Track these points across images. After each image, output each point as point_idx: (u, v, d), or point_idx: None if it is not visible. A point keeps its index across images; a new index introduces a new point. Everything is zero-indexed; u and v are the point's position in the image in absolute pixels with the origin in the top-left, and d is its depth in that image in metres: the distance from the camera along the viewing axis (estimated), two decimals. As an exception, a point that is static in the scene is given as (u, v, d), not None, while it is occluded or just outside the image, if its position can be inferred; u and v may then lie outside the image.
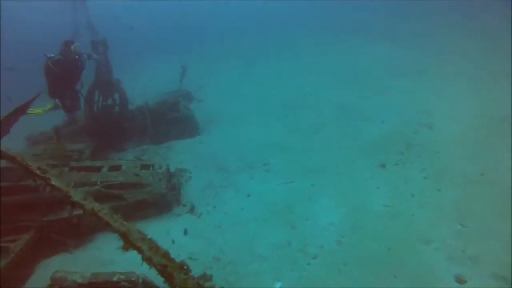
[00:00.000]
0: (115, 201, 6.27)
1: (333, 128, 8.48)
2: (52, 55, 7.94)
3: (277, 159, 7.57)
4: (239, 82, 13.10)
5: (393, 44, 14.13)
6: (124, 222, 3.16)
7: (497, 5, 15.42)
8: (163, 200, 6.47)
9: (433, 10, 17.53)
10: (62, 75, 7.87)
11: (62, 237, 6.04)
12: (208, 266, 5.07)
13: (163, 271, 2.68)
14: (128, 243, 2.90)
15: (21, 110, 5.57)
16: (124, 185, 6.42)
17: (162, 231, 5.99)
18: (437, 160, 6.66)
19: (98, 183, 6.35)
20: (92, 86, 8.82)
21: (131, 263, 5.04)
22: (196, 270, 4.94)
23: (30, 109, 7.73)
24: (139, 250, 2.85)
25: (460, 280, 4.26)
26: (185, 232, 5.79)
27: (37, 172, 3.32)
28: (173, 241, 5.68)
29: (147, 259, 2.81)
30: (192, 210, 6.49)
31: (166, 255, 2.90)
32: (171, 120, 9.29)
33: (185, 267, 2.80)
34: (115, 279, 4.01)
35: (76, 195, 3.18)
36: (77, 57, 8.05)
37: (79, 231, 6.10)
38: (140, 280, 4.04)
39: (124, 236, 2.91)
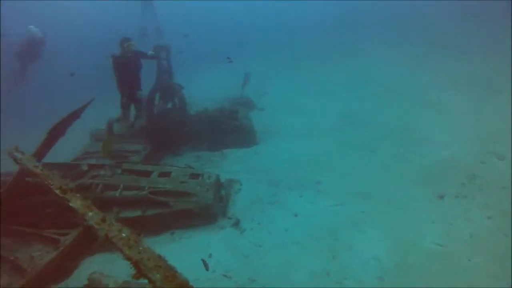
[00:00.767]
0: (161, 208, 6.28)
1: (389, 149, 7.92)
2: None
3: (329, 178, 7.22)
4: (301, 91, 12.83)
5: (462, 56, 12.93)
6: (143, 247, 3.00)
7: None
8: (208, 211, 6.36)
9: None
10: (120, 72, 8.02)
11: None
12: (241, 287, 4.83)
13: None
14: (140, 273, 2.73)
15: (75, 115, 5.75)
16: (172, 193, 6.39)
17: (203, 243, 5.90)
18: (505, 197, 5.88)
19: (146, 188, 6.37)
20: (153, 89, 9.00)
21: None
22: (228, 290, 4.83)
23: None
24: (150, 280, 2.68)
25: None
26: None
27: (57, 191, 3.24)
28: (210, 255, 5.52)
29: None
30: (236, 224, 6.31)
31: (183, 284, 2.72)
32: (229, 128, 9.23)
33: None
34: (143, 290, 3.90)
35: (93, 218, 3.06)
36: (130, 55, 8.09)
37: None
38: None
39: (136, 264, 2.75)
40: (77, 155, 8.71)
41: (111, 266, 5.66)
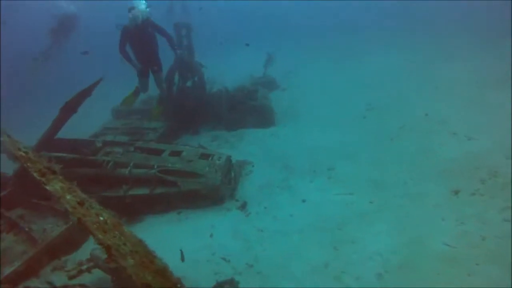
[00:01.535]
0: (169, 187, 6.31)
1: (411, 138, 7.48)
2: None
3: (344, 165, 6.95)
4: (327, 75, 12.41)
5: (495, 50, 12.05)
6: (121, 232, 2.96)
7: None
8: (216, 192, 6.33)
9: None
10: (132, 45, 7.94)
11: (116, 213, 6.23)
12: (238, 272, 4.83)
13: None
14: (110, 258, 2.69)
15: (87, 93, 5.79)
16: (180, 173, 6.39)
17: (207, 224, 5.91)
18: (527, 200, 5.37)
19: (156, 167, 6.39)
20: (172, 66, 8.96)
21: (171, 254, 5.09)
22: (227, 273, 4.80)
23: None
24: (121, 266, 2.63)
25: None
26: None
27: (35, 174, 3.23)
28: (211, 235, 5.57)
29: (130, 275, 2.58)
30: (243, 207, 6.26)
31: (160, 271, 2.66)
32: (247, 108, 9.09)
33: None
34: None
35: (70, 201, 3.03)
36: (142, 27, 7.79)
37: (132, 210, 6.23)
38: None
39: (107, 249, 2.71)
40: (96, 130, 8.87)
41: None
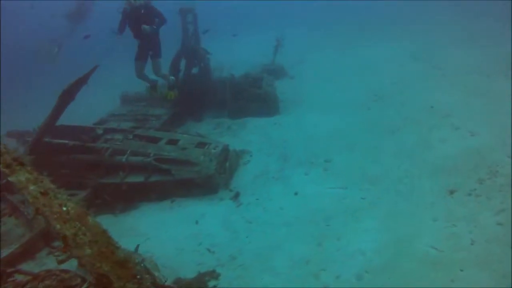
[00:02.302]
0: (163, 175, 6.38)
1: (412, 131, 7.28)
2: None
3: (342, 157, 6.84)
4: (336, 63, 12.16)
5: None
6: (83, 223, 3.01)
7: None
8: (209, 181, 6.37)
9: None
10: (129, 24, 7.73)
11: (112, 200, 6.38)
12: (221, 263, 4.87)
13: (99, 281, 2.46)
14: (66, 248, 2.74)
15: (82, 81, 5.86)
16: (176, 161, 6.45)
17: (198, 213, 5.95)
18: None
19: (152, 155, 6.46)
20: (177, 53, 8.94)
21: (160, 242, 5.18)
22: (209, 264, 4.86)
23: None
24: (76, 256, 2.68)
25: None
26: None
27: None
28: (196, 222, 5.72)
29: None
30: (235, 197, 6.27)
31: (120, 262, 2.69)
32: (251, 96, 9.02)
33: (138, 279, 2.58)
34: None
35: (32, 192, 3.08)
36: (142, 10, 7.53)
37: (127, 197, 6.34)
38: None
39: (63, 239, 2.76)
40: (102, 116, 8.99)
41: (114, 227, 5.94)
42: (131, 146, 6.76)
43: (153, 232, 5.64)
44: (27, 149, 6.66)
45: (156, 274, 3.84)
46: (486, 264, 4.16)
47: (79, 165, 6.65)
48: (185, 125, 9.02)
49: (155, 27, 7.48)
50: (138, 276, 2.57)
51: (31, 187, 3.24)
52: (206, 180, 6.33)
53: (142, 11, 7.41)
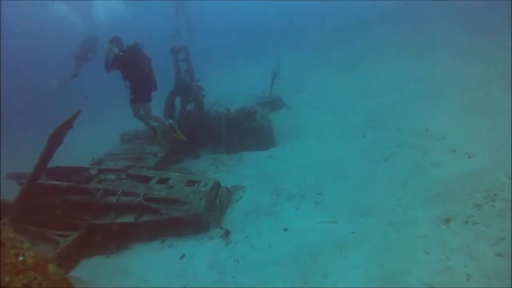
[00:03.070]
0: (153, 215, 6.37)
1: (406, 157, 7.11)
2: None
3: (333, 188, 6.74)
4: (334, 88, 12.21)
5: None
6: (41, 272, 2.99)
7: None
8: (199, 220, 6.32)
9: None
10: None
11: (104, 240, 6.39)
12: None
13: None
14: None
15: (68, 125, 6.00)
16: (165, 200, 6.45)
17: (187, 253, 5.90)
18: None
19: (142, 195, 6.48)
20: (171, 92, 9.10)
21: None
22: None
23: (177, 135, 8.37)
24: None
25: None
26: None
27: None
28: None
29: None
30: (225, 235, 6.20)
31: None
32: (246, 130, 9.06)
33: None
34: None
35: None
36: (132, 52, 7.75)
37: (119, 238, 6.34)
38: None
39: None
40: (99, 156, 9.13)
41: (106, 268, 5.95)
42: (123, 186, 6.81)
43: (143, 273, 5.61)
44: (20, 192, 6.77)
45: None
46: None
47: (72, 206, 6.72)
48: (182, 162, 9.07)
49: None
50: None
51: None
52: (195, 219, 6.30)
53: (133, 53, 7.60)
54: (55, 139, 6.14)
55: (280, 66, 11.40)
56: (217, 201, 6.69)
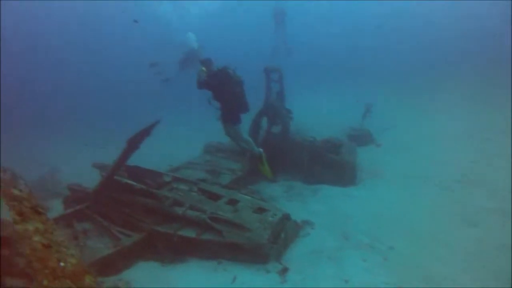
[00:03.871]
0: (214, 235, 6.28)
1: (497, 227, 6.20)
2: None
3: (407, 246, 6.08)
4: (429, 130, 11.17)
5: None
6: (77, 280, 2.99)
7: None
8: (259, 250, 6.09)
9: None
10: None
11: (164, 248, 6.46)
12: None
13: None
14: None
15: (146, 132, 6.21)
16: (230, 223, 6.33)
17: (239, 281, 5.68)
18: None
19: (208, 212, 6.44)
20: (260, 112, 9.03)
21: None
22: None
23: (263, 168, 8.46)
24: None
25: None
26: None
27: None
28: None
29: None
30: (283, 272, 5.87)
31: None
32: (328, 162, 8.64)
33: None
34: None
35: (33, 244, 3.13)
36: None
37: (177, 249, 6.35)
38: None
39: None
40: (179, 164, 9.33)
41: (158, 276, 5.98)
42: (192, 199, 6.85)
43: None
44: (98, 184, 7.14)
45: None
46: None
47: (139, 208, 6.92)
48: (258, 183, 8.92)
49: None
50: None
51: (36, 238, 3.32)
52: (256, 248, 6.07)
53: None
54: (132, 144, 6.40)
55: (373, 102, 10.78)
56: (282, 234, 6.40)
